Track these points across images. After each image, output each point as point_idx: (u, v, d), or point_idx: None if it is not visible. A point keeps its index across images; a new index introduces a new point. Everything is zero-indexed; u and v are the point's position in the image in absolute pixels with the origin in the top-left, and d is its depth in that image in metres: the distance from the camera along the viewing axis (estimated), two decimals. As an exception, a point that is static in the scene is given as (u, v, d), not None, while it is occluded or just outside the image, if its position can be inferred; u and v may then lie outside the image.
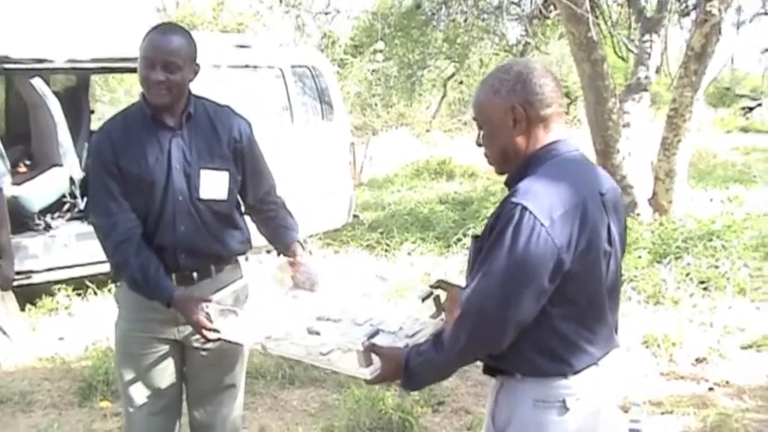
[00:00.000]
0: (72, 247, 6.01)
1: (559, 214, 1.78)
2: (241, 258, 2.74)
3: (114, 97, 14.19)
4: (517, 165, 1.91)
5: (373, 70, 14.51)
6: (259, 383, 4.45)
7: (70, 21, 11.89)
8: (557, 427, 1.86)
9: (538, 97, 1.87)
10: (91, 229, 2.67)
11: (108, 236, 2.52)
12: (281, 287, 2.62)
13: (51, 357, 4.95)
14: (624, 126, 7.80)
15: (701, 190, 10.12)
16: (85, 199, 5.93)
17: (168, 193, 2.50)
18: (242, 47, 7.21)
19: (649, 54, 8.54)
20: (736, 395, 4.29)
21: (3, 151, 5.84)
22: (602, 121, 7.67)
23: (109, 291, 5.74)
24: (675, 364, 4.72)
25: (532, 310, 1.79)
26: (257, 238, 2.78)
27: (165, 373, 2.65)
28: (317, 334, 2.26)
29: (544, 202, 1.78)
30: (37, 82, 6.25)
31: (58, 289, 6.00)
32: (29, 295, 5.85)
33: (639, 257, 6.39)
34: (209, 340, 2.45)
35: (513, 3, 11.92)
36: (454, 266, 6.60)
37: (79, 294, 6.04)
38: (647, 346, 4.89)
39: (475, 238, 1.94)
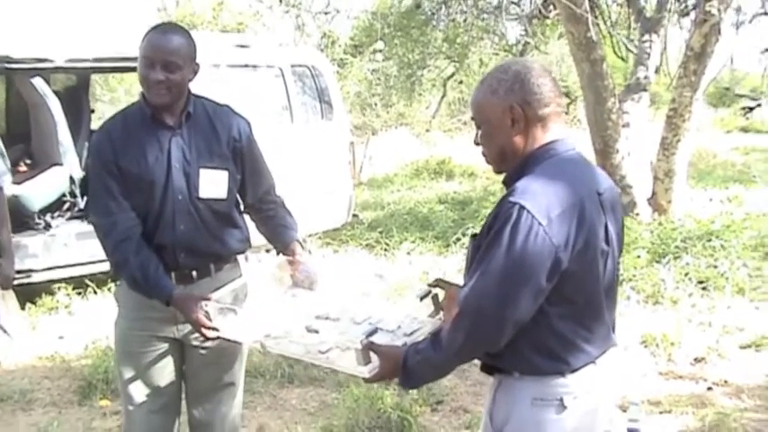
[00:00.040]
0: (72, 246, 6.02)
1: (557, 213, 1.78)
2: (240, 257, 2.74)
3: (114, 97, 14.19)
4: (515, 164, 1.92)
5: (373, 70, 14.53)
6: (258, 382, 4.46)
7: (71, 20, 11.90)
8: (554, 426, 1.87)
9: (536, 97, 1.88)
10: (91, 228, 2.68)
11: (108, 235, 2.53)
12: (280, 286, 2.62)
13: (51, 356, 4.96)
14: (623, 126, 7.81)
15: (700, 190, 10.12)
16: (85, 198, 5.93)
17: (168, 193, 2.51)
18: (242, 46, 7.22)
19: (649, 54, 8.54)
20: (734, 395, 4.29)
21: (3, 150, 5.84)
22: (601, 120, 7.68)
23: (109, 290, 5.76)
24: (674, 363, 4.72)
25: (530, 309, 1.80)
26: (256, 238, 2.79)
27: (165, 372, 2.65)
28: (316, 332, 2.27)
29: (542, 201, 1.78)
30: (37, 81, 6.25)
31: (58, 288, 6.00)
32: (29, 294, 5.86)
33: (638, 257, 6.39)
34: (208, 339, 2.45)
35: (512, 2, 11.93)
36: (453, 266, 6.61)
37: (79, 293, 6.05)
38: (645, 346, 4.90)
39: (473, 236, 1.96)
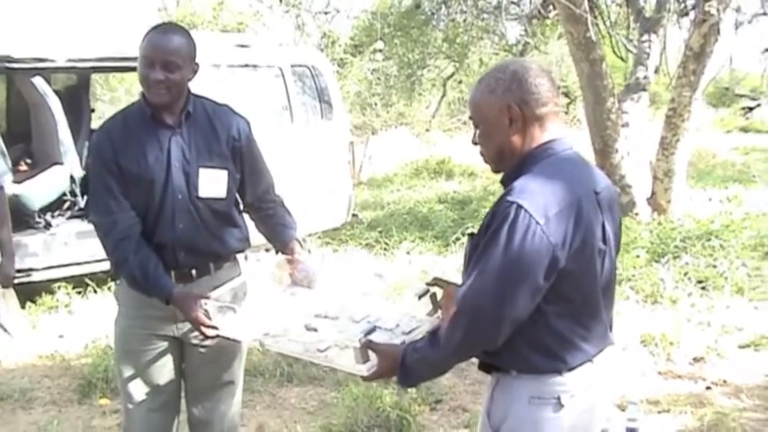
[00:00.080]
0: (72, 245, 6.04)
1: (554, 212, 1.79)
2: (240, 256, 2.75)
3: (115, 96, 14.19)
4: (513, 163, 1.92)
5: (373, 70, 14.54)
6: (257, 381, 4.46)
7: (71, 20, 11.90)
8: (552, 424, 1.88)
9: (534, 96, 1.89)
10: (91, 227, 2.69)
11: (108, 234, 2.54)
12: (279, 285, 2.63)
13: (51, 355, 4.97)
14: (623, 126, 7.82)
15: (699, 190, 10.12)
16: (86, 197, 5.94)
17: (167, 192, 2.52)
18: (242, 46, 7.23)
19: (648, 54, 8.55)
20: (733, 394, 4.30)
21: (4, 149, 5.84)
22: (600, 120, 7.69)
23: (109, 289, 5.76)
24: (673, 363, 4.73)
25: (527, 308, 1.81)
26: (256, 237, 2.80)
27: (164, 370, 2.66)
28: (315, 331, 2.27)
29: (539, 200, 1.79)
30: (38, 81, 6.26)
31: (59, 287, 6.01)
32: (29, 293, 5.87)
33: (638, 257, 6.40)
34: (207, 337, 2.46)
35: (512, 2, 11.95)
36: (453, 265, 6.61)
37: (79, 292, 6.06)
38: (644, 345, 4.90)
39: (471, 235, 1.96)
